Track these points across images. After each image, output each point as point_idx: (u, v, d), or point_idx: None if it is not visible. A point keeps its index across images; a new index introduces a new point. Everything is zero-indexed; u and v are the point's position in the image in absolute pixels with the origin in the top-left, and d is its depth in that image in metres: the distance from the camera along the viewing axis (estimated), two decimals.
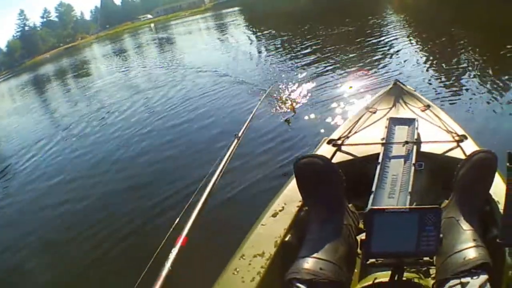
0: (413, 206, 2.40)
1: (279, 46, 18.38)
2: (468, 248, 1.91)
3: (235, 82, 11.69)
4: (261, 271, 2.03)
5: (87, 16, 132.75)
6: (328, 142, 3.39)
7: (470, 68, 9.87)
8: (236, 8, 62.32)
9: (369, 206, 2.43)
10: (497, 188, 2.33)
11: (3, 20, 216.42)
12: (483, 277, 1.75)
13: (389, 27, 18.62)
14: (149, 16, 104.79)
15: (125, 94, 14.96)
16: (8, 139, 14.34)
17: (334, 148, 3.28)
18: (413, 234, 1.81)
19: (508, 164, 1.82)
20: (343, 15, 27.42)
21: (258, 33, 24.82)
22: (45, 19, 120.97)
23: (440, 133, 3.30)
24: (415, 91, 4.41)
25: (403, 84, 4.36)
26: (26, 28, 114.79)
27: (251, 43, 20.71)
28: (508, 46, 10.01)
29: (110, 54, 38.56)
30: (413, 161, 2.89)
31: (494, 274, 1.81)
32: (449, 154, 3.03)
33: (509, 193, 1.85)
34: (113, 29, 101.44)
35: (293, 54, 15.10)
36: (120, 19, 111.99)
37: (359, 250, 2.04)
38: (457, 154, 2.98)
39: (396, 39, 15.06)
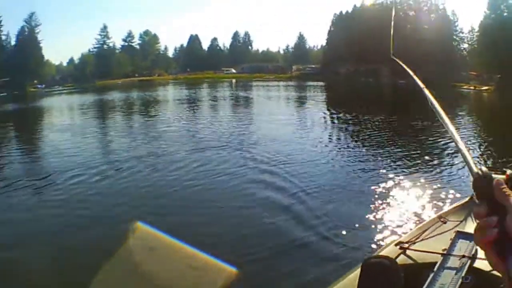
0: None
1: (352, 137, 18.61)
2: None
3: (290, 186, 10.27)
4: None
5: (170, 53, 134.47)
6: (396, 244, 3.77)
7: None
8: (321, 83, 64.69)
9: None
10: None
11: (85, 31, 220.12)
12: None
13: (468, 131, 20.36)
14: (233, 70, 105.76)
15: (181, 148, 15.23)
16: (56, 155, 14.93)
17: (400, 251, 3.62)
18: None
19: None
20: (422, 108, 27.61)
21: (334, 116, 25.98)
22: (126, 43, 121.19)
23: None
24: None
25: None
26: (105, 46, 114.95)
27: (324, 129, 21.21)
28: None
29: (183, 100, 39.62)
30: (463, 274, 3.12)
31: None
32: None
33: None
34: (193, 74, 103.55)
35: (368, 150, 15.57)
36: (203, 65, 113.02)
37: None
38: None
39: (475, 143, 16.70)
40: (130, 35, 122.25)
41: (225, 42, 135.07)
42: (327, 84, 64.62)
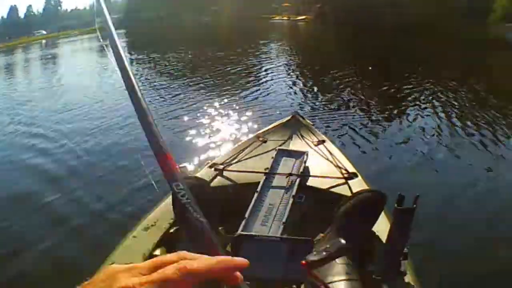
0: (283, 236, 2.41)
1: (153, 75, 18.10)
2: (340, 280, 1.97)
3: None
4: None
5: None
6: (211, 166, 3.42)
7: (373, 104, 10.54)
8: (123, 30, 66.07)
9: (239, 231, 2.49)
10: (381, 227, 2.44)
11: None
12: None
13: (285, 56, 20.63)
14: (43, 32, 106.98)
15: None
16: None
17: (216, 172, 3.32)
18: (281, 262, 1.85)
19: (396, 205, 1.99)
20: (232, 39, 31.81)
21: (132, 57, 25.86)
22: None
23: (329, 168, 3.34)
24: (313, 125, 4.46)
25: (302, 117, 4.36)
26: None
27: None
28: (405, 85, 12.15)
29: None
30: (293, 193, 2.91)
31: None
32: (335, 190, 3.10)
33: (393, 233, 2.04)
34: (11, 42, 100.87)
35: (174, 80, 14.92)
36: (20, 31, 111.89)
37: None
38: (343, 191, 3.04)
39: (290, 69, 16.11)
40: None
41: (39, 8, 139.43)
42: (128, 30, 65.29)
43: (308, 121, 4.53)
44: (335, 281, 1.99)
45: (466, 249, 4.58)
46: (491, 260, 4.36)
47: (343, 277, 2.01)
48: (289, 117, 4.36)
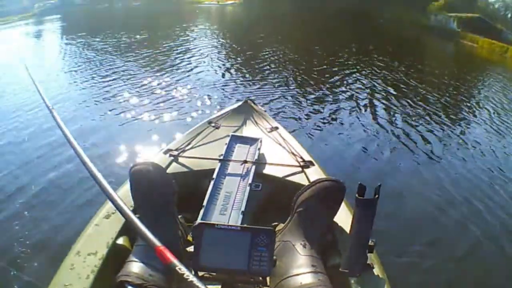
0: (244, 225, 2.28)
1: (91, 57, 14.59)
2: (306, 273, 1.91)
3: None
4: (95, 270, 1.97)
5: None
6: (165, 152, 3.25)
7: (329, 92, 10.17)
8: (58, 16, 56.83)
9: (198, 220, 2.43)
10: (343, 217, 2.35)
11: None
12: None
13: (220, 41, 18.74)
14: None
15: None
16: None
17: (171, 158, 3.16)
18: (244, 252, 1.81)
19: (357, 195, 1.93)
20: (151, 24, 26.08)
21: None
22: None
23: (285, 156, 3.24)
24: (265, 111, 4.27)
25: (254, 103, 4.19)
26: None
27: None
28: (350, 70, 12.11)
29: None
30: (250, 181, 2.81)
31: None
32: (291, 178, 2.97)
33: (355, 224, 1.98)
34: None
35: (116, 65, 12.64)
36: None
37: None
38: (300, 179, 2.92)
39: (237, 53, 14.78)
40: None
41: None
42: (62, 16, 53.75)
43: (261, 107, 4.36)
44: (300, 274, 1.92)
45: (431, 238, 4.58)
46: (456, 248, 4.40)
47: (308, 270, 1.94)
48: (240, 103, 4.18)
